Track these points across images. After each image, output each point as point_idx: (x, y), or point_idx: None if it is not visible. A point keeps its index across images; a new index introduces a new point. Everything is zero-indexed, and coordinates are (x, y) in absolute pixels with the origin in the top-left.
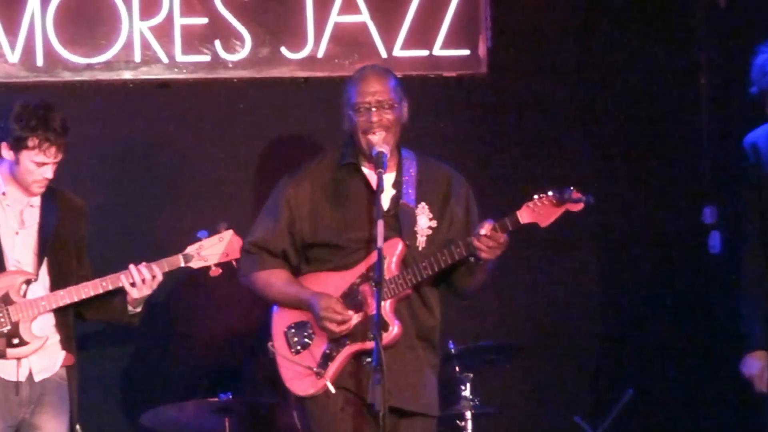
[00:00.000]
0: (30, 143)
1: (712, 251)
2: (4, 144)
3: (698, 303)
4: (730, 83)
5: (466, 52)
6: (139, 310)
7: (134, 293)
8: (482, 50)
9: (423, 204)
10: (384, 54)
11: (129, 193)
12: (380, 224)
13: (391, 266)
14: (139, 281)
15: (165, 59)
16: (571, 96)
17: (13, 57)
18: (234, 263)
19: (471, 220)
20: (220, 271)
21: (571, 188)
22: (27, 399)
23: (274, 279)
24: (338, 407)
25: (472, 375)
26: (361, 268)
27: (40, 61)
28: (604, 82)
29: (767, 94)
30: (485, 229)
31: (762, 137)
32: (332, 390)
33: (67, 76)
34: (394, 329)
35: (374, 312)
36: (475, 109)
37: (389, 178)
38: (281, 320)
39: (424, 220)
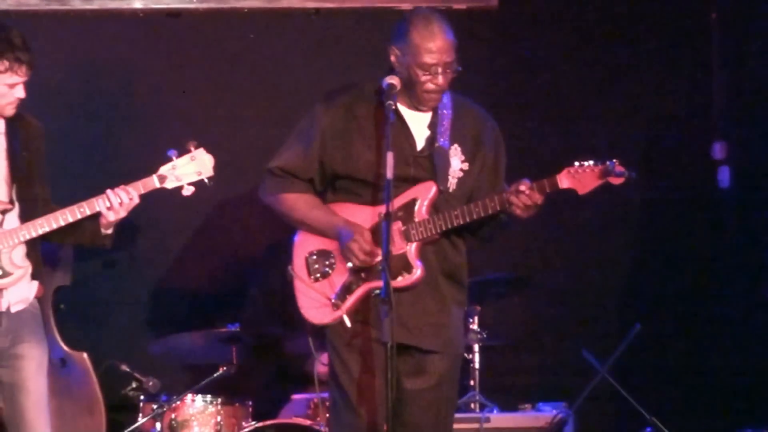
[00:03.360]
0: (1, 66)
1: (721, 186)
2: None
3: (708, 238)
4: (742, 15)
5: None
6: (110, 232)
7: (110, 216)
8: None
9: (456, 146)
10: None
11: (135, 121)
12: (390, 156)
13: (422, 209)
14: (116, 204)
15: None
16: (581, 29)
17: None
18: (206, 181)
19: (500, 168)
20: (193, 189)
21: (615, 161)
22: (6, 330)
23: (302, 203)
24: (354, 339)
25: (479, 308)
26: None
27: None
28: (616, 15)
29: None
30: (524, 186)
31: None
32: (348, 324)
33: (78, 5)
34: (417, 272)
35: (398, 251)
36: (485, 42)
37: (425, 118)
38: (303, 245)
39: (457, 162)
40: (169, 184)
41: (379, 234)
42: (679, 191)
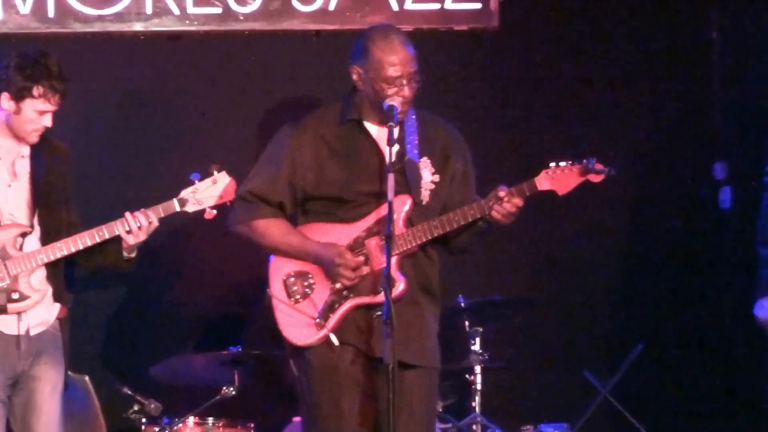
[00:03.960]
0: (35, 92)
1: (722, 206)
2: (5, 94)
3: (709, 258)
4: (743, 36)
5: (478, 5)
6: (134, 255)
7: (130, 240)
8: (494, 4)
9: (425, 158)
10: (395, 7)
11: (139, 144)
12: (391, 177)
13: (398, 222)
14: (135, 228)
15: (176, 11)
16: (582, 49)
17: (25, 8)
18: (229, 204)
19: (469, 178)
20: (215, 213)
21: (594, 159)
22: (26, 352)
23: (274, 229)
24: (339, 359)
25: (481, 329)
26: (366, 222)
27: (51, 12)
28: (616, 36)
29: None
30: (503, 192)
31: None
32: (335, 342)
33: (78, 28)
34: (401, 285)
35: (379, 267)
36: (486, 63)
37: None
38: (279, 268)
39: (428, 174)
40: (190, 208)
41: (356, 252)
42: (680, 212)
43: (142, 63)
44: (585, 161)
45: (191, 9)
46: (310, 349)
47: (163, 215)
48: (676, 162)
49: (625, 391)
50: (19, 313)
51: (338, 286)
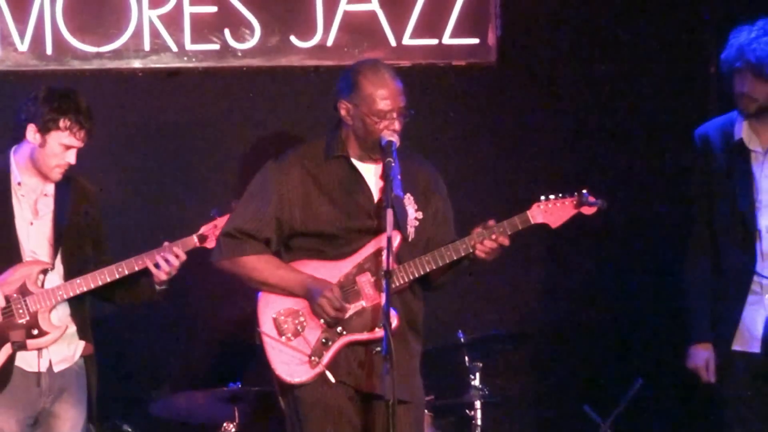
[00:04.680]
0: (62, 124)
1: None
2: (31, 126)
3: None
4: None
5: (476, 40)
6: (165, 286)
7: (161, 275)
8: (492, 39)
9: (408, 195)
10: (393, 42)
11: (138, 181)
12: (390, 213)
13: (389, 259)
14: (164, 264)
15: (174, 48)
16: (580, 85)
17: (23, 45)
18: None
19: (449, 216)
20: None
21: (586, 191)
22: (47, 389)
23: (264, 264)
24: (330, 397)
25: (481, 364)
26: (356, 258)
27: (49, 50)
28: (614, 72)
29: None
30: (492, 222)
31: (712, 128)
32: (332, 379)
33: (77, 65)
34: (394, 321)
35: (373, 303)
36: (484, 98)
37: (377, 169)
38: (269, 306)
39: (411, 211)
40: (210, 244)
41: (347, 289)
42: (678, 247)
43: (141, 100)
44: (577, 194)
45: (189, 45)
46: (300, 387)
47: (183, 250)
48: (674, 196)
49: (624, 427)
50: (39, 350)
51: (323, 321)
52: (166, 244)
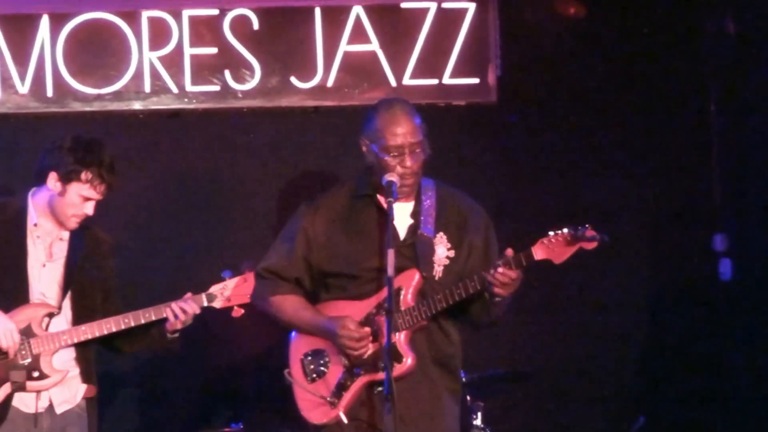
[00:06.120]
0: (84, 177)
1: (722, 278)
2: (53, 174)
3: (709, 330)
4: (741, 109)
5: (476, 80)
6: (177, 335)
7: (176, 325)
8: (492, 79)
9: (441, 234)
10: (393, 83)
11: (139, 223)
12: (391, 253)
13: (407, 297)
14: (181, 314)
15: (175, 89)
16: (580, 123)
17: (23, 88)
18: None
19: (490, 252)
20: (243, 311)
21: (587, 226)
22: (48, 430)
23: (288, 304)
24: None
25: (483, 404)
26: (376, 298)
27: (50, 92)
28: (613, 109)
29: None
30: (499, 261)
31: None
32: (345, 420)
33: (77, 107)
34: (408, 361)
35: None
36: (485, 137)
37: (408, 207)
38: (298, 347)
39: (442, 250)
40: (217, 304)
41: (369, 327)
42: (680, 283)
43: (142, 141)
44: (577, 228)
45: (190, 87)
46: (324, 429)
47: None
48: (676, 234)
49: None
50: (38, 392)
51: (346, 362)
52: (188, 295)
